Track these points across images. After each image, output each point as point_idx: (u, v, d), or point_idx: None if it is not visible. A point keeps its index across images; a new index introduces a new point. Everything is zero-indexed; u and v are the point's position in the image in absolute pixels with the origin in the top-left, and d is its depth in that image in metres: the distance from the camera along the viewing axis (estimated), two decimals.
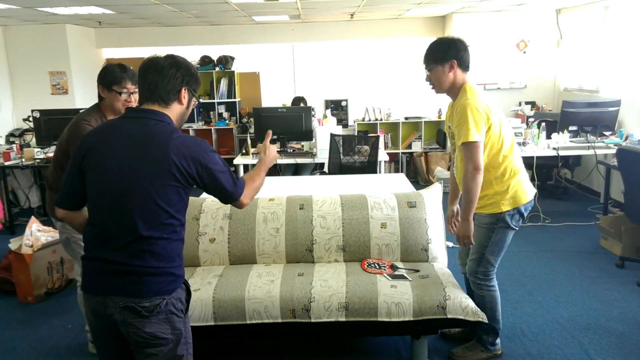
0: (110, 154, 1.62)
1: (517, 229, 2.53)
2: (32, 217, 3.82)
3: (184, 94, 1.72)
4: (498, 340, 2.72)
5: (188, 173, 1.63)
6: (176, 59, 1.73)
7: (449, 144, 3.08)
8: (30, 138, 6.06)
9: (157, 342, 1.65)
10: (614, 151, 4.59)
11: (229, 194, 1.74)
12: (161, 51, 6.83)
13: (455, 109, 2.43)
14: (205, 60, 7.40)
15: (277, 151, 2.37)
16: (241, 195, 1.76)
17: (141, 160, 1.60)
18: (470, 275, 2.62)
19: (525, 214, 2.52)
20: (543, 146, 4.95)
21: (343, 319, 2.46)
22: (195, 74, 1.76)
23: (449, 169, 7.09)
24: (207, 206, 3.00)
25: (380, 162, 5.03)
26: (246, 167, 5.36)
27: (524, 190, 2.49)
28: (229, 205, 2.97)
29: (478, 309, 2.46)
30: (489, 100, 2.42)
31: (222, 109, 7.56)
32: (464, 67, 2.42)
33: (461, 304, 2.44)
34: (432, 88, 2.50)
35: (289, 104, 6.74)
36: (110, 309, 1.61)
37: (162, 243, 1.63)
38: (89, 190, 1.67)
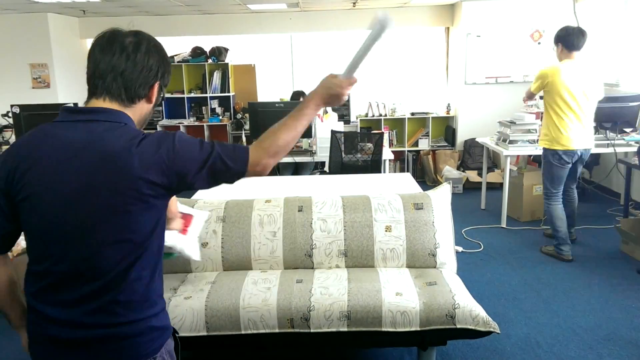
0: (51, 177, 1.24)
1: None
2: None
3: (155, 89, 1.37)
4: (566, 247, 4.14)
5: (166, 186, 1.29)
6: (147, 37, 1.36)
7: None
8: (10, 135, 6.07)
9: None
10: (635, 149, 4.59)
11: (229, 174, 1.36)
12: None
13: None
14: (197, 52, 7.40)
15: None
16: (246, 166, 1.36)
17: (95, 185, 1.24)
18: None
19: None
20: None
21: (345, 329, 2.46)
22: (169, 62, 1.42)
23: (457, 168, 7.12)
24: (199, 208, 2.99)
25: (384, 160, 5.04)
26: None
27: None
28: (223, 208, 2.98)
29: (489, 318, 2.46)
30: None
31: (215, 103, 7.57)
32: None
33: (471, 313, 2.44)
34: None
35: (286, 98, 6.75)
36: None
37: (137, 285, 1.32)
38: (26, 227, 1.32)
